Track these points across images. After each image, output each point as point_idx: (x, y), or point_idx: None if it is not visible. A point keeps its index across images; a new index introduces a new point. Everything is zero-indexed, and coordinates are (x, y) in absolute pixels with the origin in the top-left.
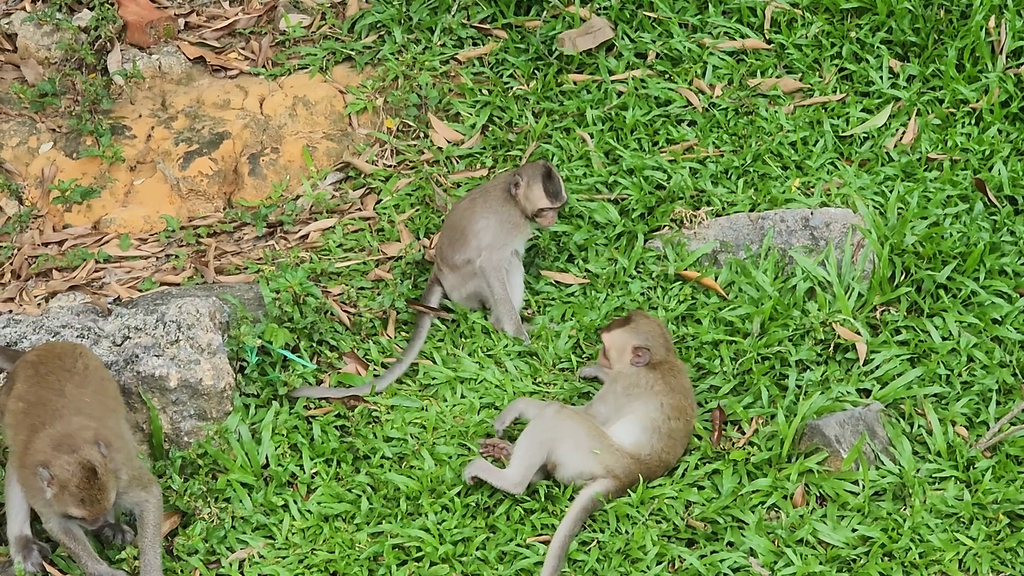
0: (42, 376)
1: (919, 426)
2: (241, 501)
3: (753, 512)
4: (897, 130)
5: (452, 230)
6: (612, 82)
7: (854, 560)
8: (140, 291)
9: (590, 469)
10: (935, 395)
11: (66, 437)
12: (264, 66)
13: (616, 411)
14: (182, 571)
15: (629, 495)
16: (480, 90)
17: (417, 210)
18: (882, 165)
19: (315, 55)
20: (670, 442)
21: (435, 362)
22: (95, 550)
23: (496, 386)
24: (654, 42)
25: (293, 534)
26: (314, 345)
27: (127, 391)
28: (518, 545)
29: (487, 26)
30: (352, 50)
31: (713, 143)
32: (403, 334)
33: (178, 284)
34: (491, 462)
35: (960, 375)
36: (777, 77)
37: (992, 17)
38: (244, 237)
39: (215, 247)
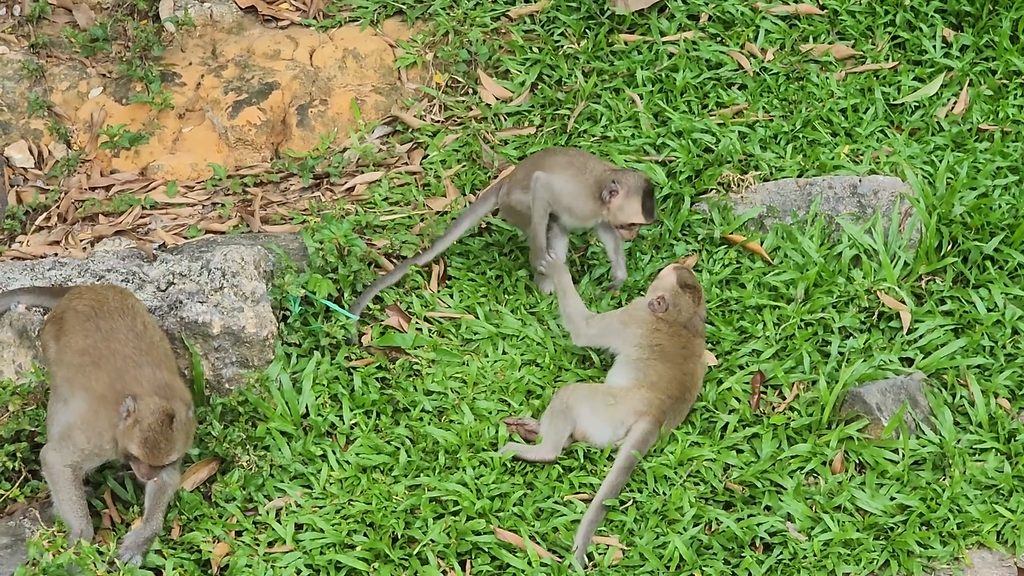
0: (113, 332)
1: (961, 397)
2: (280, 450)
3: (791, 477)
4: (948, 100)
5: (538, 164)
6: (663, 43)
7: (892, 528)
8: (185, 238)
9: (619, 420)
10: (978, 366)
11: (164, 386)
12: (315, 17)
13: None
14: (220, 517)
15: (668, 456)
16: (530, 48)
17: (464, 166)
18: (932, 135)
19: (366, 8)
20: (671, 366)
21: (477, 317)
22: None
23: (538, 343)
24: (707, 4)
25: (331, 484)
26: (357, 297)
27: (171, 336)
28: (555, 503)
29: None
30: (403, 4)
31: (763, 108)
32: (446, 288)
33: (223, 232)
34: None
35: (1004, 347)
36: (829, 43)
37: None
38: (290, 188)
39: (261, 197)
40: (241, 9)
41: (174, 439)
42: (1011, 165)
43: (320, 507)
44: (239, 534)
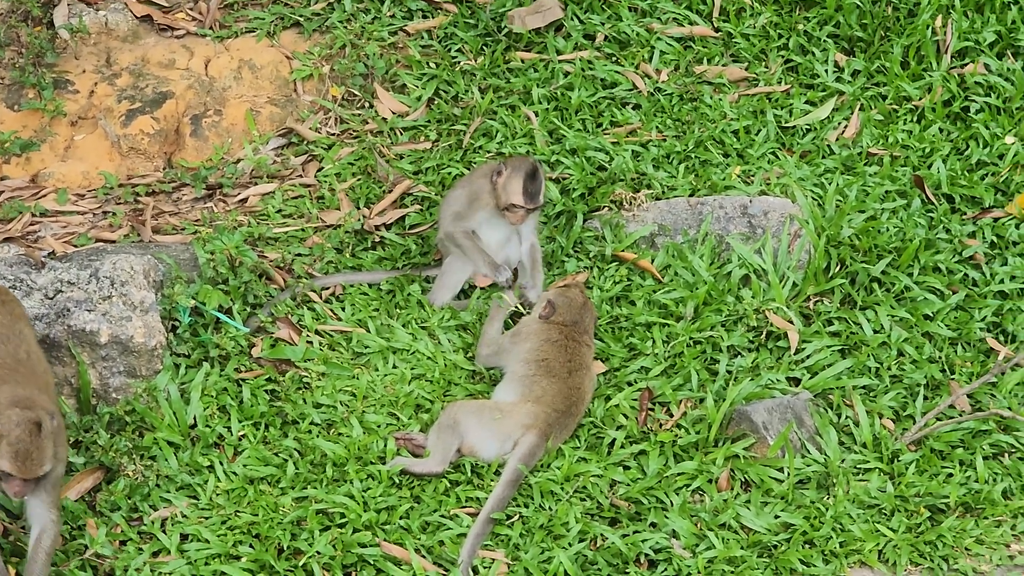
0: None
1: (846, 417)
2: (167, 460)
3: (677, 494)
4: (839, 123)
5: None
6: (559, 62)
7: (775, 546)
8: (75, 246)
9: (505, 434)
10: (864, 387)
11: (23, 399)
12: (211, 27)
13: (499, 360)
14: (105, 525)
15: (555, 471)
16: (427, 63)
17: (358, 179)
18: (823, 157)
19: (263, 19)
20: (557, 380)
21: (368, 331)
22: None
23: (428, 357)
24: (603, 24)
25: (217, 495)
26: (248, 308)
27: (58, 344)
28: (442, 516)
29: None
30: (301, 16)
31: (656, 127)
32: (337, 301)
33: (114, 241)
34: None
35: (889, 368)
36: (723, 65)
37: (939, 16)
38: (183, 198)
39: (153, 206)
40: (136, 18)
41: (44, 447)
42: (899, 189)
43: (206, 518)
44: (123, 544)
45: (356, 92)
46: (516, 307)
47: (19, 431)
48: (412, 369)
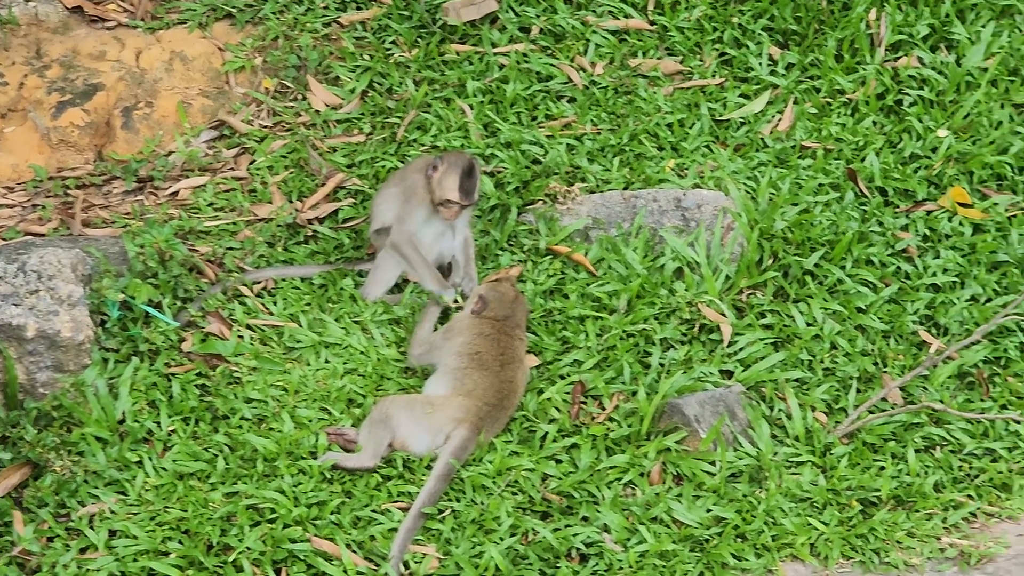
0: None
1: (779, 410)
2: (95, 455)
3: (609, 488)
4: (773, 117)
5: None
6: (494, 55)
7: (707, 540)
8: (3, 239)
9: (437, 428)
10: (796, 380)
11: None
12: (142, 19)
13: (432, 357)
14: (32, 522)
15: (487, 466)
16: (361, 55)
17: (291, 172)
18: (756, 151)
19: (195, 10)
20: (488, 374)
21: (300, 325)
22: None
23: (360, 352)
24: (538, 17)
25: (146, 491)
26: (178, 303)
27: None
28: (373, 511)
29: None
30: (233, 7)
31: (591, 120)
32: (269, 296)
33: (43, 235)
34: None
35: (822, 361)
36: (658, 58)
37: (873, 10)
38: (113, 191)
39: (83, 199)
40: (67, 9)
41: None
42: (833, 182)
43: (135, 514)
44: (51, 540)
45: (289, 84)
46: (450, 306)
47: None
48: (344, 364)
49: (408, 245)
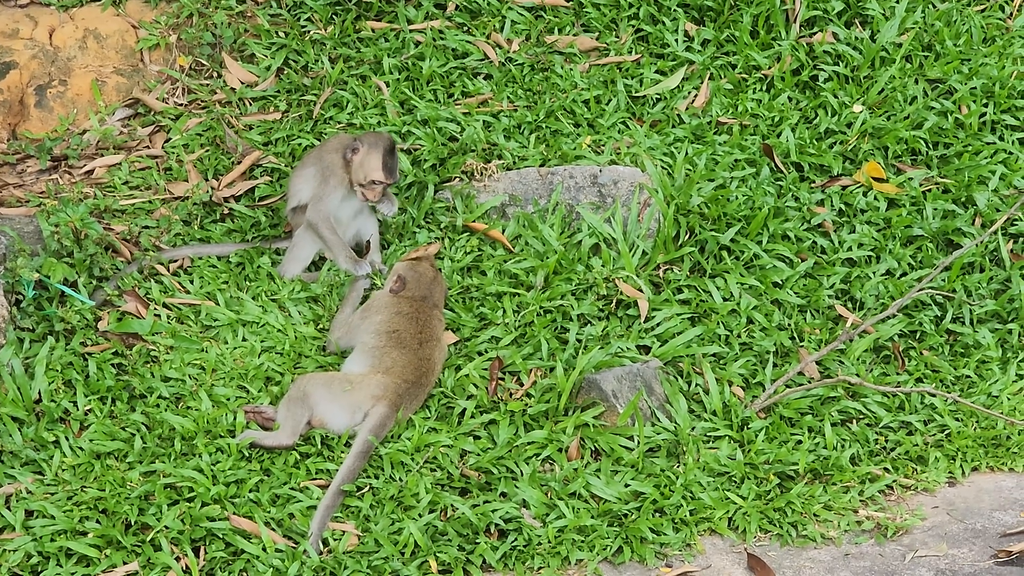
0: None
1: (696, 385)
2: (11, 435)
3: (527, 464)
4: (689, 93)
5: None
6: (410, 32)
7: (626, 515)
8: None
9: (355, 405)
10: (714, 355)
11: None
12: None
13: (351, 338)
14: None
15: (405, 442)
16: (276, 32)
17: (207, 150)
18: (672, 127)
19: None
20: (407, 351)
21: (218, 304)
22: None
23: (279, 330)
24: None
25: (63, 470)
26: (94, 282)
27: None
28: (292, 489)
29: None
30: None
31: (508, 97)
32: (186, 274)
33: None
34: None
35: (739, 336)
36: (574, 35)
37: None
38: (27, 170)
39: None
40: None
41: None
42: (748, 158)
43: (52, 494)
44: None
45: (204, 62)
46: (362, 279)
47: None
48: (262, 342)
49: (324, 224)
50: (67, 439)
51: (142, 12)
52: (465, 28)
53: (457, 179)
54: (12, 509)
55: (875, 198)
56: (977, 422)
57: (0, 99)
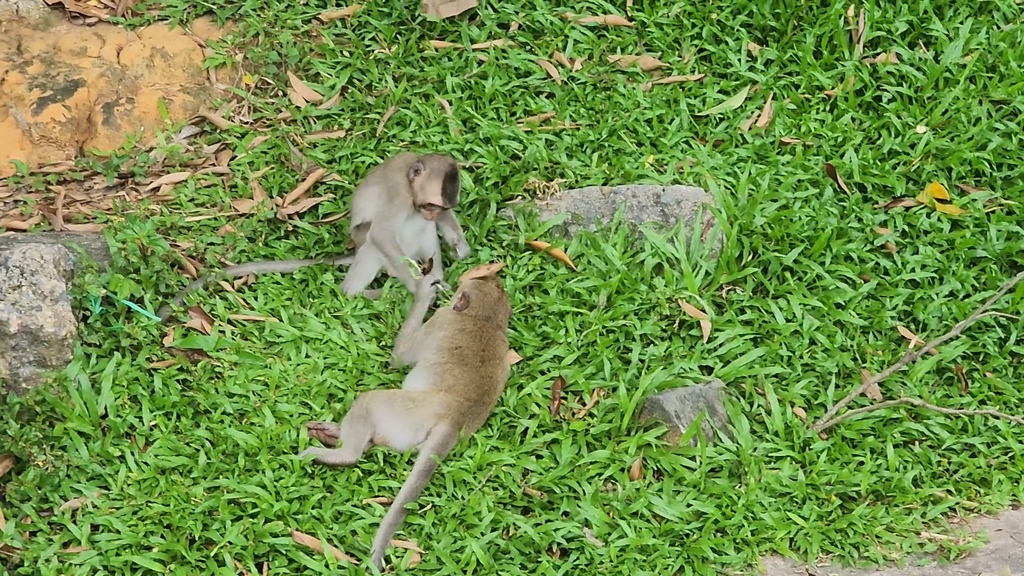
0: None
1: (758, 406)
2: (77, 450)
3: (590, 483)
4: (752, 113)
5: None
6: (473, 51)
7: (687, 535)
8: None
9: (418, 423)
10: (776, 376)
11: None
12: (123, 15)
13: (415, 354)
14: (14, 516)
15: (468, 461)
16: (341, 51)
17: (272, 168)
18: (736, 147)
19: (175, 7)
20: (469, 369)
21: (281, 320)
22: None
23: (341, 347)
24: (517, 13)
25: (129, 485)
26: (160, 298)
27: None
28: (354, 506)
29: None
30: (213, 4)
31: (570, 116)
32: (250, 291)
33: (24, 230)
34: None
35: (801, 357)
36: (637, 54)
37: (851, 6)
38: (95, 187)
39: (64, 195)
40: (48, 5)
41: None
42: (811, 178)
43: (117, 508)
44: (34, 535)
45: (269, 80)
46: (431, 296)
47: None
48: (325, 358)
49: (389, 242)
50: (132, 454)
51: (209, 31)
52: (528, 47)
53: (519, 197)
54: (78, 523)
55: (938, 219)
56: None
57: (68, 117)
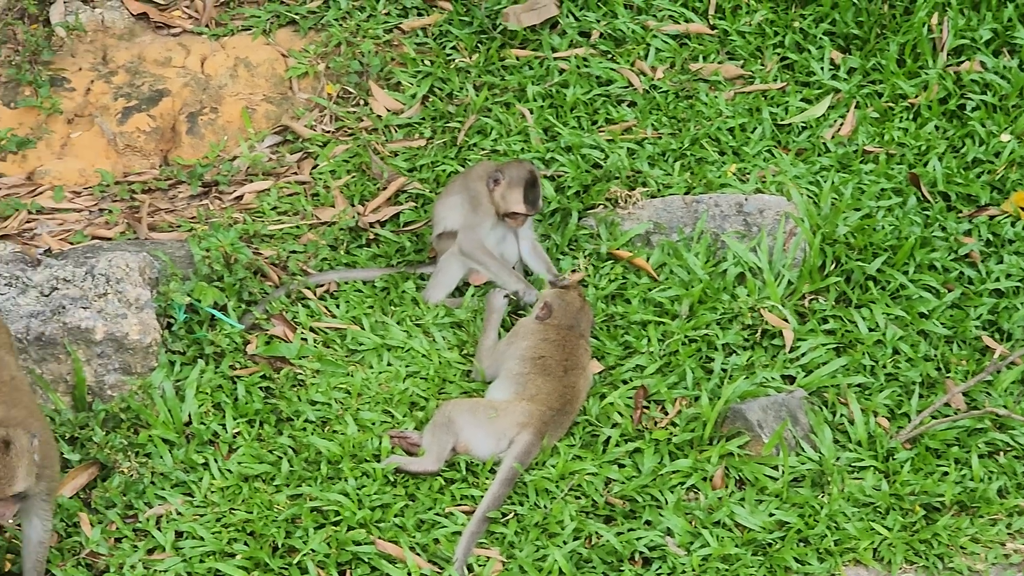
0: None
1: (841, 415)
2: (161, 457)
3: (672, 492)
4: (835, 121)
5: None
6: (554, 59)
7: (770, 544)
8: (71, 243)
9: (501, 432)
10: (859, 385)
11: (6, 418)
12: (207, 25)
13: (498, 366)
14: (100, 523)
15: (550, 470)
16: (422, 60)
17: (353, 177)
18: (818, 155)
19: (259, 17)
20: (552, 379)
21: (363, 328)
22: None
23: (423, 355)
24: (598, 21)
25: (212, 493)
26: (243, 306)
27: (53, 342)
28: (437, 514)
29: None
30: (296, 14)
31: (652, 125)
32: (332, 299)
33: (110, 239)
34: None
35: (884, 366)
36: (719, 63)
37: (935, 14)
38: (179, 195)
39: (149, 204)
40: (133, 15)
41: (13, 466)
42: (895, 187)
43: (201, 515)
44: (119, 541)
45: (351, 90)
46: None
47: None
48: (407, 367)
49: (483, 252)
50: (216, 461)
51: (291, 41)
52: (609, 56)
53: (601, 206)
54: (163, 530)
55: (1023, 228)
56: None
57: (153, 126)
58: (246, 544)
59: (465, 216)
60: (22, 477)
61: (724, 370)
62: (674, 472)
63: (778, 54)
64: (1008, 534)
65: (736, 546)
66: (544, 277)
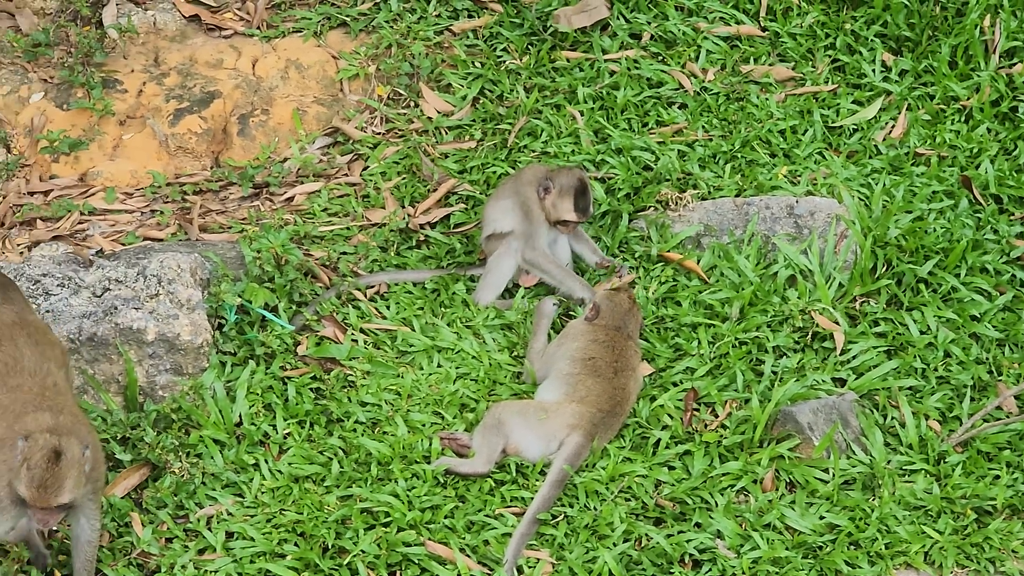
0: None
1: (892, 418)
2: (212, 457)
3: (722, 494)
4: (887, 123)
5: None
6: (605, 61)
7: (820, 547)
8: (123, 244)
9: (551, 434)
10: (910, 388)
11: (58, 426)
12: (259, 27)
13: (549, 368)
14: (151, 523)
15: (600, 472)
16: (473, 62)
17: (403, 178)
18: (870, 157)
19: (310, 19)
20: (602, 380)
21: (413, 330)
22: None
23: (473, 357)
24: (649, 23)
25: (263, 493)
26: (294, 307)
27: (105, 342)
28: (487, 516)
29: None
30: (347, 16)
31: (703, 127)
32: (382, 300)
33: (161, 240)
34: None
35: (936, 369)
36: (770, 65)
37: (987, 16)
38: (230, 196)
39: (200, 205)
40: (185, 18)
41: (62, 477)
42: (947, 189)
43: (251, 516)
44: (169, 541)
45: (402, 91)
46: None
47: (39, 456)
48: (457, 368)
49: (544, 259)
50: (266, 462)
51: (342, 43)
52: (660, 58)
53: (652, 208)
54: (213, 530)
55: None
56: None
57: (204, 127)
58: (296, 545)
59: (519, 224)
60: (69, 488)
61: (774, 372)
62: (724, 474)
63: (829, 56)
64: None
65: (786, 549)
66: (590, 261)
